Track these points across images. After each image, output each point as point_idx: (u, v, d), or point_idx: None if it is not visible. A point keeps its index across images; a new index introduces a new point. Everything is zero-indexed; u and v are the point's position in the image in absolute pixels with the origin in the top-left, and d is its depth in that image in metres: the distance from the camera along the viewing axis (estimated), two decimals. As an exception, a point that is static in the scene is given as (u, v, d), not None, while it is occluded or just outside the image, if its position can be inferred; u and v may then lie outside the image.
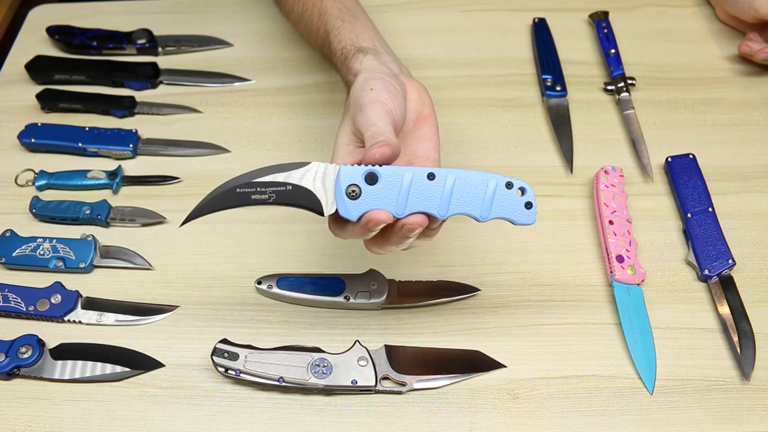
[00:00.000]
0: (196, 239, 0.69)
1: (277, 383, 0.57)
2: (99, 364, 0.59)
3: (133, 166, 0.75)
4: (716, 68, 0.83)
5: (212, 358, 0.57)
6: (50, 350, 0.60)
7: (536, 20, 0.87)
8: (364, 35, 0.61)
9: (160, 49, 0.85)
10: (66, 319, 0.62)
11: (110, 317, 0.63)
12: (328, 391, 0.58)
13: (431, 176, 0.49)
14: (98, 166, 0.74)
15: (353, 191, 0.48)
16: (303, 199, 0.49)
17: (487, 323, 0.63)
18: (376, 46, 0.61)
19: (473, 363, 0.60)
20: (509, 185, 0.50)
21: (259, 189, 0.49)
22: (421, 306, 0.63)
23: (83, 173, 0.72)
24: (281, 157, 0.75)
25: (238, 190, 0.49)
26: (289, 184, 0.49)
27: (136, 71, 0.81)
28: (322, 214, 0.49)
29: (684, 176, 0.70)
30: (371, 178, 0.48)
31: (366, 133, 0.50)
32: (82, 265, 0.65)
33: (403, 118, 0.54)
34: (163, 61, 0.84)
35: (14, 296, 0.63)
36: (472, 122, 0.78)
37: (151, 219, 0.69)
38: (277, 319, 0.63)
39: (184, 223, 0.50)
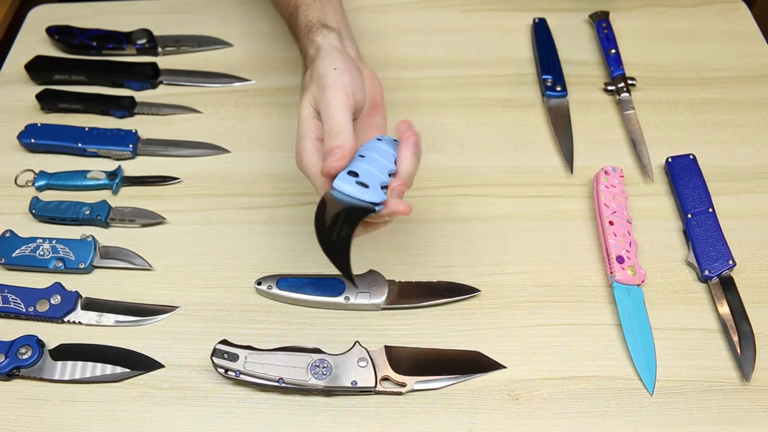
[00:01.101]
0: (196, 240, 0.68)
1: (276, 384, 0.57)
2: (99, 365, 0.59)
3: (132, 167, 0.75)
4: (716, 68, 0.83)
5: (212, 359, 0.57)
6: (50, 351, 0.60)
7: (536, 20, 0.87)
8: (331, 16, 0.62)
9: (159, 49, 0.85)
10: (66, 319, 0.62)
11: (110, 318, 0.63)
12: (328, 392, 0.58)
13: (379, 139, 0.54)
14: (98, 166, 0.74)
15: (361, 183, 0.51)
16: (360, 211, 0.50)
17: (487, 324, 0.63)
18: (340, 29, 0.61)
19: (473, 364, 0.60)
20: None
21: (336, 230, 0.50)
22: (421, 306, 0.63)
23: (83, 174, 0.72)
24: (281, 157, 0.75)
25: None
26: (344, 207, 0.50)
27: (136, 71, 0.81)
28: (374, 210, 0.50)
29: (684, 177, 0.70)
30: (354, 174, 0.51)
31: (325, 124, 0.52)
32: (81, 266, 0.65)
33: (363, 101, 0.56)
34: (163, 62, 0.84)
35: (14, 297, 0.63)
36: (472, 122, 0.78)
37: (150, 219, 0.69)
38: (277, 319, 0.63)
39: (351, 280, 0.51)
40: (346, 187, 0.50)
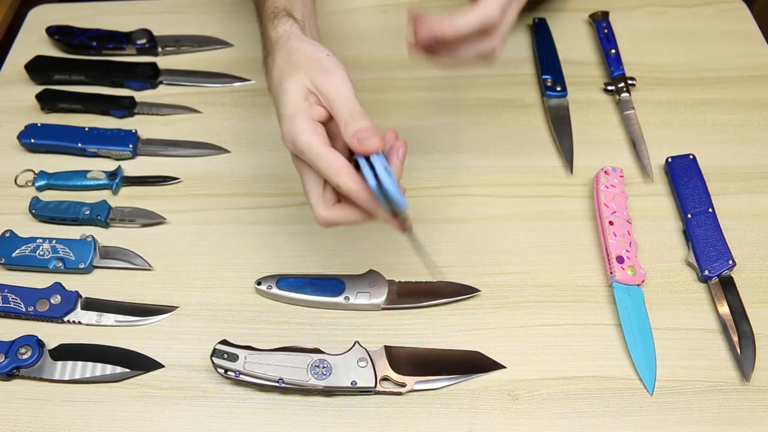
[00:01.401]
0: (195, 240, 0.68)
1: (276, 384, 0.57)
2: (99, 365, 0.59)
3: (132, 167, 0.75)
4: (716, 68, 0.83)
5: (212, 359, 0.57)
6: (50, 351, 0.60)
7: (536, 20, 0.87)
8: (298, 8, 0.61)
9: (159, 49, 0.85)
10: (66, 319, 0.62)
11: (110, 318, 0.63)
12: (328, 392, 0.58)
13: None
14: (98, 166, 0.74)
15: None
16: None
17: (487, 324, 0.63)
18: (305, 21, 0.61)
19: (473, 364, 0.60)
20: None
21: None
22: (421, 306, 0.63)
23: (83, 174, 0.72)
24: (281, 157, 0.75)
25: None
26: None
27: (136, 71, 0.81)
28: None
29: (684, 177, 0.70)
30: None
31: (340, 108, 0.50)
32: (81, 266, 0.65)
33: None
34: (163, 62, 0.84)
35: (14, 297, 0.63)
36: (472, 122, 0.78)
37: (150, 219, 0.69)
38: (277, 319, 0.63)
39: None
40: (391, 188, 0.48)
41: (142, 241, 0.68)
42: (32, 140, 0.74)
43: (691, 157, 0.72)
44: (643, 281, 0.64)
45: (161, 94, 0.82)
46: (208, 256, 0.67)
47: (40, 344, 0.60)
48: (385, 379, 0.58)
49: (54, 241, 0.66)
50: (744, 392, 0.59)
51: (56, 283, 0.64)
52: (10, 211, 0.71)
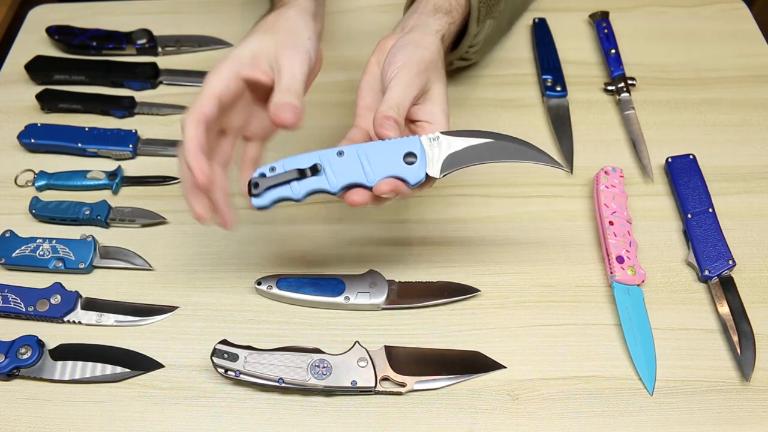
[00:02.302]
0: (196, 240, 0.68)
1: (276, 384, 0.57)
2: (99, 365, 0.59)
3: (132, 167, 0.75)
4: (716, 68, 0.83)
5: (212, 359, 0.57)
6: (50, 351, 0.60)
7: (536, 20, 0.87)
8: None
9: (159, 50, 0.85)
10: (66, 319, 0.62)
11: (110, 318, 0.63)
12: (328, 391, 0.58)
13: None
14: (98, 166, 0.74)
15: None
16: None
17: (487, 324, 0.63)
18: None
19: (473, 364, 0.60)
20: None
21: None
22: (421, 306, 0.63)
23: (83, 174, 0.72)
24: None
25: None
26: None
27: (136, 71, 0.81)
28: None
29: (684, 177, 0.70)
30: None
31: (283, 78, 0.53)
32: (81, 266, 0.65)
33: (320, 62, 0.58)
34: (163, 62, 0.84)
35: (14, 297, 0.63)
36: (472, 122, 0.78)
37: (150, 219, 0.69)
38: (277, 319, 0.63)
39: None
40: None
41: (142, 241, 0.68)
42: (32, 140, 0.74)
43: (691, 157, 0.72)
44: (643, 281, 0.64)
45: (161, 94, 0.82)
46: (208, 256, 0.67)
47: (40, 344, 0.60)
48: (385, 379, 0.58)
49: (54, 241, 0.66)
50: (744, 392, 0.59)
51: (56, 283, 0.64)
52: (10, 211, 0.71)
